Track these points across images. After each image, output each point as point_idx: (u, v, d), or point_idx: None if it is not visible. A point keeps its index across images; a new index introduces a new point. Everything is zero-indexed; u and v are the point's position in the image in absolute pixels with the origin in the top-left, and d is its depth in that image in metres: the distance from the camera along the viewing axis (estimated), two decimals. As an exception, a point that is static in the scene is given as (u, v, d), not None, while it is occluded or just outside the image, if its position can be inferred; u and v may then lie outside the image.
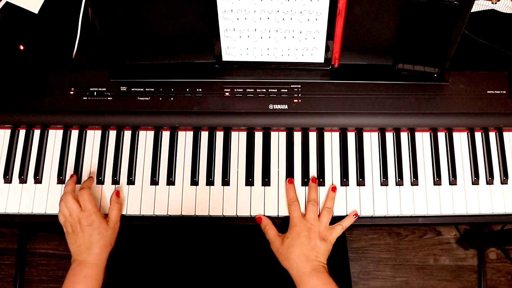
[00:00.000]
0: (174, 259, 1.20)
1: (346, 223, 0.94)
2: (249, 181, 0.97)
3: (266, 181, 0.97)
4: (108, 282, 1.68)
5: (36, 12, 1.11)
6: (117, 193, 0.96)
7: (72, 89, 0.99)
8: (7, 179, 0.98)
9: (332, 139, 1.01)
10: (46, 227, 1.64)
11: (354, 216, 0.95)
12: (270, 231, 0.94)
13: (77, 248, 0.90)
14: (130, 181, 0.98)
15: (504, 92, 0.99)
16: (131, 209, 0.97)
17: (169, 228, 1.64)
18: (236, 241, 1.30)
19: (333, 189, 0.96)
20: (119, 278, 1.66)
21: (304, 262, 0.88)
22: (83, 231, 0.90)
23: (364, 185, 0.98)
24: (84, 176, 0.99)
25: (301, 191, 0.97)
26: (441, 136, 1.01)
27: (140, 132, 1.01)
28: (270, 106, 0.98)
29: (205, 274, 1.23)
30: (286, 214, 0.96)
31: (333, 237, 0.93)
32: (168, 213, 0.97)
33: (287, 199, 0.96)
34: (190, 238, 1.58)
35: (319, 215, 0.94)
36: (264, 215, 0.96)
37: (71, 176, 0.97)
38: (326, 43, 0.93)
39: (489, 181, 0.98)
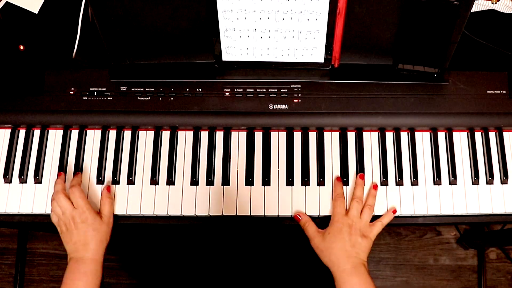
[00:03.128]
0: (198, 259, 1.19)
1: (385, 220, 0.94)
2: (249, 181, 0.97)
3: (266, 181, 0.97)
4: (134, 282, 1.69)
5: (36, 12, 1.11)
6: (108, 188, 0.96)
7: (72, 89, 0.99)
8: (7, 179, 0.98)
9: (332, 139, 1.01)
10: (46, 227, 1.64)
11: (393, 212, 0.95)
12: (310, 227, 0.94)
13: (73, 246, 0.90)
14: (130, 181, 0.98)
15: (504, 92, 0.99)
16: (131, 209, 0.97)
17: (184, 228, 1.64)
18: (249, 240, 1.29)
19: (375, 187, 0.96)
20: (141, 278, 1.66)
21: (345, 258, 0.88)
22: (78, 228, 0.90)
23: (364, 185, 0.97)
24: (85, 176, 0.99)
25: (301, 191, 0.97)
26: (441, 136, 1.01)
27: (140, 132, 1.01)
28: (270, 106, 0.98)
29: (221, 272, 1.23)
30: (286, 214, 0.96)
31: (373, 234, 0.93)
32: (168, 213, 0.97)
33: (334, 194, 0.95)
34: (213, 238, 1.56)
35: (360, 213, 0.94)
36: (305, 213, 0.95)
37: (59, 174, 0.97)
38: (326, 43, 0.93)
39: (489, 181, 0.98)
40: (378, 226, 0.93)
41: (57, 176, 0.97)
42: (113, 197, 0.96)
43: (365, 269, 0.89)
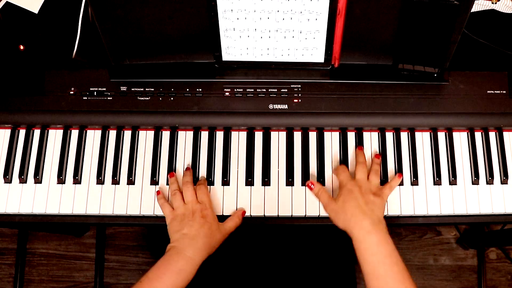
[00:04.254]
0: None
1: (394, 183, 0.95)
2: (249, 181, 0.97)
3: (266, 181, 0.97)
4: (133, 283, 1.68)
5: (36, 12, 1.11)
6: (243, 213, 0.95)
7: (72, 89, 0.99)
8: (7, 179, 0.98)
9: (332, 139, 1.01)
10: (46, 227, 1.64)
11: (399, 177, 0.96)
12: (323, 195, 0.93)
13: (180, 235, 0.88)
14: (130, 181, 0.98)
15: (504, 92, 0.99)
16: (131, 209, 0.97)
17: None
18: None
19: (377, 156, 0.98)
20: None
21: (361, 215, 0.86)
22: (195, 220, 0.89)
23: (363, 153, 0.97)
24: (85, 176, 0.99)
25: (301, 191, 0.97)
26: (441, 136, 1.01)
27: (140, 132, 1.01)
28: (270, 106, 0.98)
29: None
30: (286, 214, 0.96)
31: (385, 193, 0.93)
32: (168, 213, 0.97)
33: (335, 170, 0.97)
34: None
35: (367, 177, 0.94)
36: (315, 182, 0.95)
37: (187, 168, 0.97)
38: (326, 43, 0.93)
39: (489, 181, 0.98)
40: (388, 188, 0.94)
41: (186, 170, 0.97)
42: (241, 219, 0.95)
43: (384, 226, 0.87)
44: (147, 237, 1.78)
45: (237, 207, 0.96)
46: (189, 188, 0.93)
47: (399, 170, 0.98)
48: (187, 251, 0.86)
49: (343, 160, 0.99)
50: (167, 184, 0.98)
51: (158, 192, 0.96)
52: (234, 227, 0.93)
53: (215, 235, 0.90)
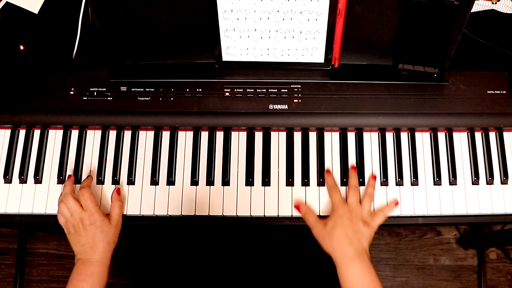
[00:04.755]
0: (198, 259, 1.19)
1: (387, 211, 0.94)
2: (249, 181, 0.97)
3: (266, 181, 0.97)
4: (133, 283, 1.69)
5: (36, 12, 1.11)
6: (118, 191, 0.96)
7: (72, 89, 0.99)
8: (7, 179, 0.98)
9: (332, 139, 1.01)
10: (46, 227, 1.64)
11: (395, 204, 0.95)
12: (311, 217, 0.93)
13: (81, 248, 0.90)
14: (130, 181, 0.98)
15: (504, 92, 0.99)
16: (131, 209, 0.97)
17: (184, 229, 1.63)
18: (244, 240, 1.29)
19: (373, 177, 0.97)
20: (140, 278, 1.66)
21: (347, 244, 0.87)
22: (86, 230, 0.90)
23: (364, 185, 0.97)
24: (85, 176, 0.99)
25: (301, 191, 0.97)
26: (441, 136, 1.01)
27: (140, 132, 1.01)
28: (270, 106, 0.98)
29: (218, 272, 1.22)
30: (286, 214, 0.96)
31: (375, 222, 0.92)
32: (168, 213, 0.97)
33: (327, 185, 0.96)
34: (209, 238, 1.54)
35: (360, 202, 0.94)
36: (305, 202, 0.96)
37: (69, 176, 0.97)
38: (326, 43, 0.93)
39: (489, 181, 0.98)
40: (380, 216, 0.93)
41: (67, 178, 0.97)
42: (123, 200, 0.96)
43: (367, 256, 0.88)
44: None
45: (237, 207, 0.96)
46: (68, 199, 0.92)
47: (399, 170, 0.98)
48: (92, 258, 0.89)
49: (343, 160, 0.99)
50: (167, 184, 0.98)
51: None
52: (120, 211, 0.94)
53: (110, 232, 0.92)
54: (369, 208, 0.94)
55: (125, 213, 0.97)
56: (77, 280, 0.88)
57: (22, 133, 1.01)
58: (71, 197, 0.92)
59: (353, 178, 0.96)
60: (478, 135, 1.01)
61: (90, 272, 0.88)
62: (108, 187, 0.98)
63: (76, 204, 0.92)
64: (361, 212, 0.92)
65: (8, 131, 1.01)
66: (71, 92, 0.99)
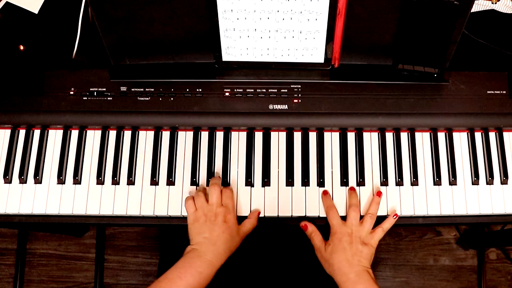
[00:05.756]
0: None
1: (386, 225, 0.94)
2: (249, 181, 0.97)
3: (266, 182, 0.97)
4: (133, 283, 1.67)
5: (36, 12, 1.11)
6: (259, 213, 0.95)
7: (72, 89, 0.99)
8: (7, 179, 0.98)
9: (332, 139, 1.01)
10: (46, 227, 1.64)
11: (394, 217, 0.94)
12: (316, 238, 0.93)
13: (202, 239, 0.88)
14: (130, 181, 0.98)
15: (504, 92, 0.99)
16: (131, 209, 0.97)
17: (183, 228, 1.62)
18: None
19: (378, 194, 0.95)
20: (143, 278, 1.65)
21: (347, 268, 0.88)
22: (217, 224, 0.88)
23: (364, 185, 0.97)
24: (85, 177, 0.99)
25: (301, 192, 0.97)
26: (441, 136, 1.01)
27: (140, 132, 1.01)
28: (270, 106, 0.98)
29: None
30: (286, 214, 0.96)
31: (374, 240, 0.92)
32: (168, 214, 0.97)
33: (324, 207, 0.95)
34: None
35: (361, 221, 0.93)
36: (308, 222, 0.95)
37: (217, 173, 0.97)
38: (326, 43, 0.93)
39: (489, 181, 0.98)
40: (379, 232, 0.93)
41: (216, 174, 0.97)
42: (257, 220, 0.95)
43: (369, 275, 0.88)
44: (153, 238, 1.78)
45: (237, 207, 0.96)
46: (216, 189, 0.92)
47: (399, 170, 0.98)
48: (207, 255, 0.87)
49: (343, 160, 0.99)
50: (167, 184, 0.98)
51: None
52: (251, 229, 0.94)
53: (235, 239, 0.90)
54: (369, 227, 0.92)
55: (124, 213, 0.96)
56: (186, 269, 0.85)
57: (22, 133, 1.01)
58: (218, 188, 0.92)
59: (353, 197, 0.95)
60: (478, 135, 1.01)
61: (200, 269, 0.85)
62: (107, 187, 0.98)
63: (219, 197, 0.91)
64: (360, 233, 0.91)
65: (8, 131, 1.01)
66: (71, 92, 0.99)
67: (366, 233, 0.92)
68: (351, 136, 1.01)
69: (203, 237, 0.88)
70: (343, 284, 0.88)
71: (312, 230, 0.94)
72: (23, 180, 0.98)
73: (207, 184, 0.97)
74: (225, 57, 0.96)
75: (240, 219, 0.96)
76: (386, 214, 0.96)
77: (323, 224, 0.97)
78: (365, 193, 0.97)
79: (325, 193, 0.96)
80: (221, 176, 0.97)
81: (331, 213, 0.93)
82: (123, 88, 0.99)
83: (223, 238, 0.88)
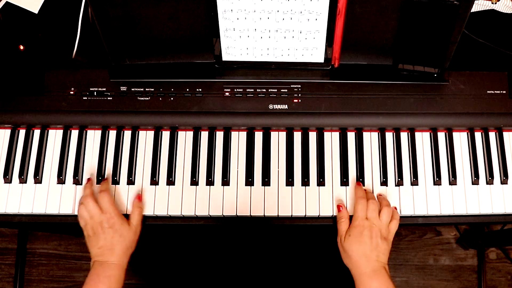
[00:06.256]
0: (197, 259, 1.19)
1: (396, 215, 0.94)
2: (249, 181, 0.97)
3: (266, 181, 0.97)
4: (133, 283, 1.68)
5: (36, 12, 1.11)
6: (139, 197, 0.96)
7: (72, 89, 0.99)
8: (7, 179, 0.98)
9: (332, 139, 1.01)
10: (46, 227, 1.64)
11: (395, 208, 0.95)
12: (344, 224, 0.93)
13: (98, 250, 0.90)
14: (130, 181, 0.98)
15: (504, 92, 0.99)
16: (131, 209, 0.97)
17: (183, 229, 1.63)
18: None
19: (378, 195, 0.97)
20: (151, 279, 1.65)
21: (365, 262, 0.88)
22: (105, 233, 0.90)
23: (364, 185, 0.97)
24: (85, 176, 0.99)
25: (301, 191, 0.97)
26: (441, 136, 1.01)
27: (140, 132, 1.01)
28: (270, 106, 0.98)
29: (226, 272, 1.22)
30: (286, 214, 0.96)
31: (391, 234, 0.93)
32: (168, 213, 0.97)
33: (356, 196, 0.95)
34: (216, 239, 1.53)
35: (379, 214, 0.93)
36: (346, 207, 0.95)
37: (88, 180, 0.97)
38: (326, 43, 0.93)
39: (489, 181, 0.98)
40: (394, 223, 0.93)
41: (86, 181, 0.97)
42: (143, 206, 0.96)
43: (386, 272, 0.88)
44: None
45: (237, 207, 0.96)
46: (88, 202, 0.93)
47: (399, 170, 0.98)
48: (109, 261, 0.89)
49: (343, 160, 0.99)
50: (167, 184, 0.98)
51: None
52: (139, 217, 0.95)
53: (128, 236, 0.92)
54: (387, 220, 0.93)
55: (125, 212, 0.96)
56: (95, 281, 0.88)
57: (22, 133, 1.01)
58: (91, 199, 0.93)
59: (361, 190, 0.96)
60: (478, 135, 1.01)
61: (107, 274, 0.88)
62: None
63: (96, 207, 0.92)
64: (380, 226, 0.91)
65: (8, 131, 1.01)
66: (71, 92, 0.99)
67: (385, 225, 0.92)
68: (351, 136, 1.01)
69: (98, 247, 0.90)
70: (358, 278, 0.88)
71: (343, 215, 0.94)
72: (23, 180, 0.98)
73: (206, 184, 0.97)
74: (225, 57, 0.96)
75: (241, 219, 0.96)
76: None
77: (323, 224, 0.97)
78: (365, 193, 0.97)
79: (359, 184, 0.97)
80: (91, 185, 0.96)
81: (361, 204, 0.93)
82: (123, 88, 0.99)
83: (115, 240, 0.90)
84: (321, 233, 1.38)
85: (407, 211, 0.97)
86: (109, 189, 0.96)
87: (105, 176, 0.98)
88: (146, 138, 1.01)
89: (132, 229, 0.93)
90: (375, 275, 0.87)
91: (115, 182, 0.98)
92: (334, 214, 0.96)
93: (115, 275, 0.89)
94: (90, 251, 0.92)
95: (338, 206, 0.95)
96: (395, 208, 0.96)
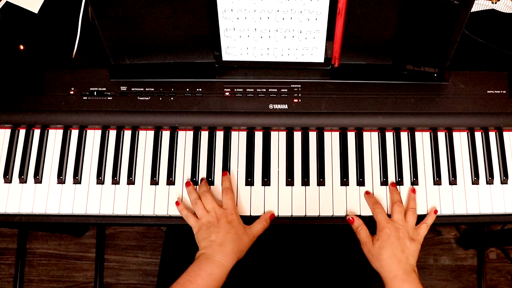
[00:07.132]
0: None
1: (429, 221, 0.94)
2: (249, 181, 0.97)
3: (266, 181, 0.97)
4: (133, 283, 1.67)
5: (36, 12, 1.11)
6: (272, 216, 0.95)
7: (72, 89, 0.99)
8: (7, 179, 0.98)
9: (332, 139, 1.01)
10: (46, 227, 1.64)
11: (435, 212, 0.95)
12: (363, 232, 0.93)
13: (208, 243, 0.89)
14: (130, 181, 0.98)
15: (504, 92, 0.99)
16: (131, 209, 0.97)
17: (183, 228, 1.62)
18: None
19: (413, 191, 0.97)
20: (143, 278, 1.64)
21: (395, 264, 0.88)
22: (221, 227, 0.89)
23: (364, 185, 0.98)
24: (85, 176, 0.99)
25: (301, 191, 0.97)
26: (441, 136, 1.01)
27: (140, 132, 1.01)
28: (270, 106, 0.98)
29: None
30: (286, 214, 0.96)
31: (420, 236, 0.92)
32: (168, 213, 0.97)
33: (369, 205, 0.95)
34: None
35: (404, 216, 0.93)
36: (356, 215, 0.95)
37: (202, 179, 0.97)
38: (326, 43, 0.93)
39: (489, 181, 0.98)
40: (424, 228, 0.93)
41: (201, 181, 0.97)
42: (269, 222, 0.95)
43: (416, 275, 0.88)
44: (153, 237, 1.78)
45: (237, 207, 0.96)
46: (208, 197, 0.93)
47: (399, 170, 0.98)
48: (216, 256, 0.87)
49: (343, 160, 0.99)
50: (167, 184, 0.98)
51: (177, 203, 0.95)
52: (261, 230, 0.94)
53: (243, 239, 0.91)
54: (413, 222, 0.93)
55: (124, 213, 0.97)
56: (195, 273, 0.86)
57: (22, 133, 1.01)
58: (210, 195, 0.93)
59: (395, 193, 0.96)
60: (478, 135, 1.01)
61: (210, 270, 0.86)
62: (108, 187, 0.98)
63: (215, 203, 0.92)
64: (407, 228, 0.91)
65: (8, 131, 1.01)
66: (71, 92, 0.99)
67: (412, 228, 0.92)
68: (351, 136, 1.01)
69: (209, 240, 0.89)
70: (390, 281, 0.88)
71: (358, 224, 0.94)
72: (23, 179, 0.98)
73: (211, 182, 0.97)
74: (225, 57, 0.96)
75: (242, 218, 0.96)
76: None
77: (323, 224, 0.97)
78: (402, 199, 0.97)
79: (367, 193, 0.97)
80: (206, 182, 0.97)
81: (377, 209, 0.93)
82: (123, 88, 0.99)
83: (229, 237, 0.89)
84: (321, 233, 1.38)
85: (407, 211, 0.97)
86: (232, 188, 0.95)
87: (90, 174, 0.98)
88: (146, 138, 1.01)
89: (249, 235, 0.92)
90: (406, 277, 0.87)
91: (115, 182, 0.98)
92: (334, 214, 0.96)
93: (217, 274, 0.87)
94: (199, 243, 0.90)
95: (349, 219, 0.95)
96: (435, 211, 0.95)
